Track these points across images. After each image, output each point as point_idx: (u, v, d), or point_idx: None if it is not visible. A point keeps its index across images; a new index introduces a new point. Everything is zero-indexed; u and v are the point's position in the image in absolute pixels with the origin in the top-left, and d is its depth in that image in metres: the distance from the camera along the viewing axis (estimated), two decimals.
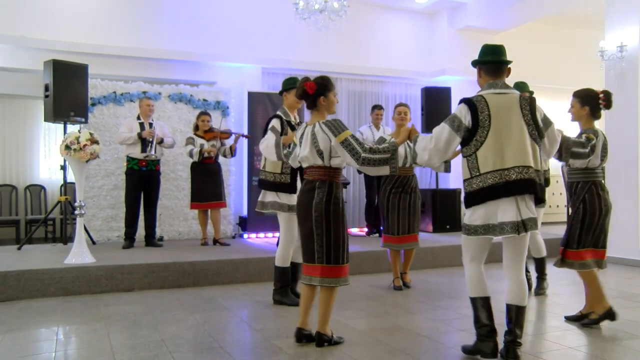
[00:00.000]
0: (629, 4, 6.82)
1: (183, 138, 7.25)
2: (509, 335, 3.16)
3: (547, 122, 3.27)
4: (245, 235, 7.94)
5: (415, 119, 9.67)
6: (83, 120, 6.70)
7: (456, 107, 3.25)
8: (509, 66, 3.35)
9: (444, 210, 8.43)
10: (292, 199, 4.45)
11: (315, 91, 3.50)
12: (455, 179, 9.45)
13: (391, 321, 4.14)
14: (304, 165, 3.55)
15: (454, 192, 8.58)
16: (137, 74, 7.95)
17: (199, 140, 6.86)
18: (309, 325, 3.55)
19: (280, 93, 4.76)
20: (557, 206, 10.55)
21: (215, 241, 7.03)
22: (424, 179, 9.41)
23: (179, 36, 8.09)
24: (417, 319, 4.23)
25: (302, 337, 3.52)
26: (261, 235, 7.94)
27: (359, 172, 4.19)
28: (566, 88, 11.65)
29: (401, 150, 5.07)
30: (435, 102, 8.52)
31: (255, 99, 8.07)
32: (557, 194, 10.58)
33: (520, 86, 5.03)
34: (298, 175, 4.51)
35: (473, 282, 3.25)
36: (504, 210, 3.05)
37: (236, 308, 4.62)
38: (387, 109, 9.32)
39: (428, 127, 8.27)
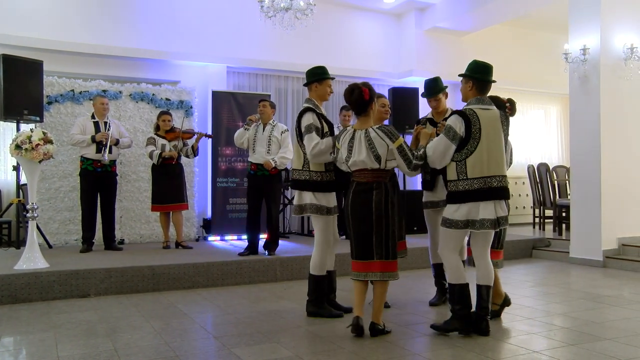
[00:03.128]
0: (591, 9, 6.91)
1: (144, 138, 7.04)
2: (481, 310, 3.70)
3: (506, 133, 3.87)
4: (210, 238, 7.76)
5: None
6: (38, 119, 6.43)
7: (450, 119, 3.68)
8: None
9: (410, 211, 8.39)
10: (331, 200, 4.16)
11: (370, 97, 3.66)
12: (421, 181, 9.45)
13: None
14: (354, 168, 3.69)
15: (421, 194, 8.49)
16: (97, 72, 7.71)
17: (160, 141, 6.67)
18: (381, 320, 3.74)
19: (307, 84, 4.32)
20: (524, 207, 10.64)
21: (178, 244, 6.85)
22: None
23: (141, 33, 7.86)
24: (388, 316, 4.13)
25: (359, 328, 3.65)
26: (228, 237, 7.76)
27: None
28: (532, 90, 11.86)
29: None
30: (403, 103, 8.49)
31: (219, 99, 7.90)
32: (523, 196, 10.68)
33: (440, 85, 4.98)
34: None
35: (453, 270, 3.72)
36: (485, 209, 3.59)
37: (196, 314, 4.46)
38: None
39: (396, 127, 8.17)
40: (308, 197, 4.12)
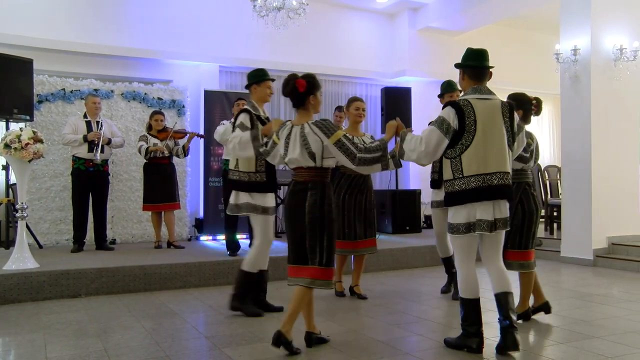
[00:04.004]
0: (581, 10, 6.95)
1: (136, 138, 7.02)
2: (504, 322, 3.24)
3: (520, 127, 3.47)
4: (202, 238, 7.74)
5: (375, 119, 9.67)
6: (28, 117, 6.39)
7: (443, 111, 3.31)
8: (490, 70, 3.43)
9: (403, 211, 8.41)
10: (267, 200, 4.19)
11: (305, 89, 3.35)
12: (415, 180, 9.49)
13: (346, 325, 4.04)
14: (292, 166, 3.40)
15: (414, 193, 8.58)
16: (89, 71, 7.66)
17: (152, 140, 6.67)
18: (316, 327, 3.52)
19: (248, 86, 4.37)
20: None
21: (170, 244, 6.83)
22: (384, 180, 9.39)
23: (133, 32, 7.83)
24: (374, 323, 4.14)
25: (312, 340, 3.46)
26: (220, 237, 7.73)
27: None
28: (523, 90, 11.83)
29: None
30: (395, 103, 8.50)
31: (212, 98, 7.88)
32: None
33: (452, 85, 5.14)
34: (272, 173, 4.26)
35: (465, 283, 3.33)
36: (482, 210, 3.21)
37: (187, 314, 4.44)
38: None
39: None
40: (244, 197, 4.17)
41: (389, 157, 3.35)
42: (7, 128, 6.19)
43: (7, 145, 4.98)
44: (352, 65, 9.45)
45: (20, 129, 5.18)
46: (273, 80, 4.38)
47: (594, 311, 4.42)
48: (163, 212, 6.83)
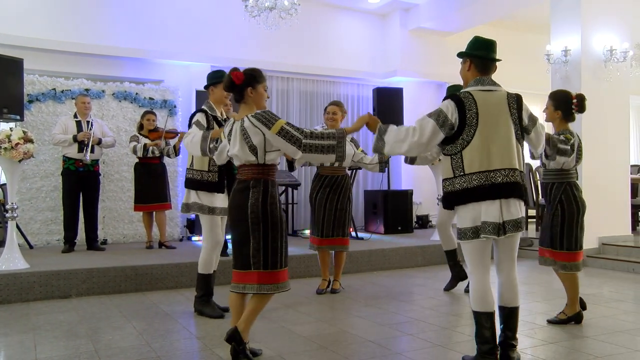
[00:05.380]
0: (572, 11, 7.00)
1: (127, 138, 6.99)
2: (501, 337, 3.07)
3: (533, 119, 3.19)
4: (194, 238, 7.72)
5: None
6: (18, 117, 6.32)
7: (442, 103, 3.09)
8: (496, 63, 3.23)
9: (395, 211, 8.43)
10: (215, 200, 4.23)
11: (242, 81, 3.20)
12: (407, 180, 9.51)
13: (337, 326, 4.05)
14: (236, 163, 3.26)
15: (406, 193, 8.60)
16: (79, 71, 7.60)
17: (143, 140, 6.64)
18: (247, 337, 3.25)
19: (206, 87, 4.40)
20: None
21: (161, 244, 6.81)
22: (376, 180, 9.41)
23: (124, 32, 7.79)
24: (365, 324, 4.15)
25: (234, 338, 3.17)
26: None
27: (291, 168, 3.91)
28: (514, 91, 11.93)
29: (349, 149, 4.94)
30: (387, 103, 8.52)
31: (203, 98, 7.78)
32: None
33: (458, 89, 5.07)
34: (225, 174, 4.27)
35: (476, 295, 3.01)
36: (487, 211, 2.94)
37: (178, 314, 4.43)
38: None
39: None
40: (193, 196, 4.24)
41: (377, 160, 3.21)
42: None
43: None
44: (343, 66, 9.46)
45: (10, 128, 5.15)
46: None
47: (585, 311, 4.44)
48: (154, 213, 6.80)
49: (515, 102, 3.10)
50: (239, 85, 3.22)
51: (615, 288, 5.43)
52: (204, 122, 4.14)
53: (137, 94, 7.61)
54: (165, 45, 8.00)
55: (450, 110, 2.99)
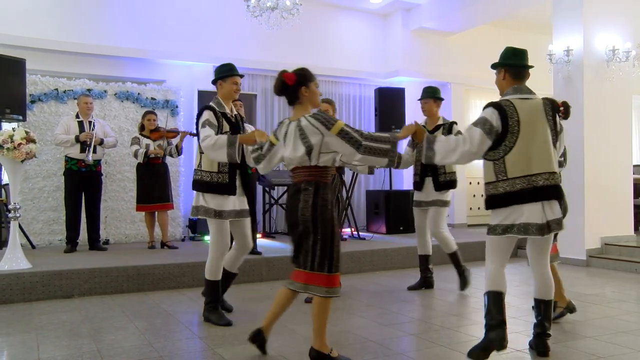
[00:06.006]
0: (574, 11, 6.99)
1: (129, 138, 7.00)
2: (538, 328, 3.31)
3: (561, 127, 3.38)
4: (196, 238, 7.73)
5: (369, 119, 9.68)
6: (21, 118, 6.35)
7: (484, 111, 3.22)
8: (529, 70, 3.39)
9: (397, 211, 8.43)
10: (225, 203, 3.98)
11: (295, 82, 3.17)
12: (408, 180, 9.49)
13: (339, 326, 4.04)
14: (288, 167, 3.23)
15: (407, 194, 8.58)
16: (82, 71, 7.63)
17: (145, 140, 6.64)
18: (269, 331, 3.33)
19: (214, 82, 4.13)
20: None
21: (163, 244, 6.81)
22: (378, 180, 9.40)
23: (126, 32, 7.80)
24: (367, 324, 4.14)
25: (257, 339, 3.30)
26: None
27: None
28: None
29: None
30: (389, 103, 8.52)
31: (205, 98, 7.82)
32: None
33: (431, 91, 5.29)
34: (238, 175, 4.06)
35: (490, 277, 3.23)
36: (530, 212, 3.11)
37: (180, 314, 4.43)
38: (341, 109, 9.28)
39: (382, 127, 8.26)
40: (200, 199, 4.04)
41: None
42: (0, 128, 6.15)
43: None
44: (345, 66, 9.46)
45: (12, 129, 5.16)
46: (241, 76, 4.17)
47: (587, 311, 4.44)
48: (156, 213, 6.81)
49: (551, 108, 3.29)
50: (292, 86, 3.19)
51: (617, 288, 5.42)
52: (214, 120, 3.90)
53: (139, 94, 7.62)
54: (167, 45, 8.01)
55: (495, 118, 3.15)
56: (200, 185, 4.04)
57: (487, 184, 3.25)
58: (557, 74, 7.16)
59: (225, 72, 4.07)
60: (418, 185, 5.27)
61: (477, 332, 3.86)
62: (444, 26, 9.53)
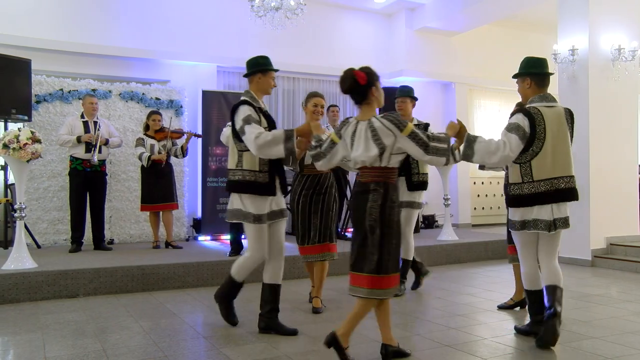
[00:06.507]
0: (579, 10, 6.96)
1: (134, 138, 7.01)
2: (548, 310, 3.46)
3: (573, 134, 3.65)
4: (200, 238, 7.74)
5: None
6: (26, 118, 6.38)
7: (515, 117, 3.43)
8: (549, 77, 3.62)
9: None
10: (264, 205, 3.68)
11: (367, 81, 3.14)
12: None
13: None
14: (356, 166, 3.17)
15: None
16: (86, 71, 7.65)
17: (149, 141, 6.65)
18: (394, 339, 3.25)
19: (250, 74, 3.83)
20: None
21: (168, 244, 6.82)
22: None
23: (131, 33, 7.82)
24: (372, 323, 4.11)
25: (389, 354, 3.21)
26: (227, 236, 7.74)
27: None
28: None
29: None
30: (393, 103, 8.47)
31: (209, 98, 7.88)
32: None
33: (407, 91, 5.33)
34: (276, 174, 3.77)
35: (527, 277, 3.63)
36: (540, 209, 3.43)
37: (185, 314, 4.44)
38: (345, 109, 9.27)
39: None
40: (236, 202, 3.70)
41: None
42: (6, 128, 6.19)
43: (5, 146, 4.97)
44: (349, 65, 9.24)
45: (18, 129, 5.18)
46: (277, 70, 3.94)
47: (593, 311, 4.42)
48: (161, 213, 6.82)
49: (570, 116, 3.59)
50: (363, 85, 3.15)
51: (623, 289, 5.40)
52: (255, 115, 3.62)
53: (143, 94, 7.63)
54: (171, 45, 8.03)
55: (526, 124, 3.40)
56: (242, 186, 3.67)
57: (512, 184, 3.51)
58: (562, 74, 7.13)
59: (267, 65, 3.83)
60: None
61: (482, 333, 3.86)
62: (448, 26, 9.52)
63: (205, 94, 7.88)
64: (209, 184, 7.79)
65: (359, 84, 3.14)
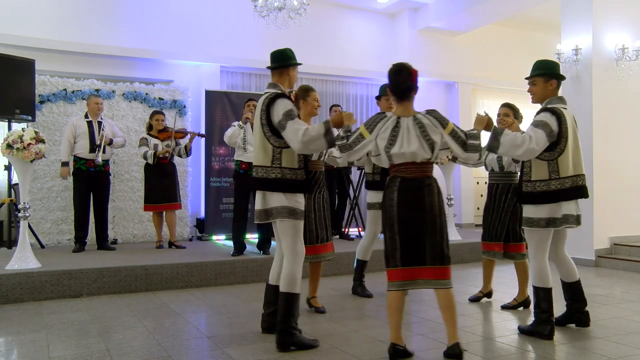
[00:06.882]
0: (583, 10, 6.95)
1: (137, 138, 7.02)
2: (574, 304, 3.86)
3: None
4: (204, 238, 7.75)
5: None
6: (30, 118, 6.40)
7: (543, 115, 3.55)
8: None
9: None
10: (302, 202, 3.52)
11: (416, 79, 3.23)
12: None
13: (348, 326, 4.04)
14: (398, 161, 3.13)
15: None
16: (90, 71, 7.67)
17: (153, 141, 6.66)
18: (402, 340, 3.20)
19: (280, 67, 3.82)
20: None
21: (171, 244, 6.83)
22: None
23: (134, 33, 7.83)
24: (375, 323, 4.14)
25: (397, 353, 3.15)
26: (222, 236, 7.76)
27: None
28: (524, 90, 11.86)
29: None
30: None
31: (213, 98, 7.88)
32: None
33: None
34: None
35: (539, 274, 3.67)
36: (568, 205, 3.60)
37: (189, 314, 4.44)
38: (349, 109, 9.28)
39: None
40: (278, 199, 3.46)
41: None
42: (9, 128, 6.21)
43: (9, 146, 4.99)
44: (352, 65, 9.45)
45: (22, 129, 5.19)
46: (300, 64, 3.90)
47: (596, 311, 4.41)
48: (164, 212, 6.82)
49: (574, 119, 3.77)
50: (415, 85, 3.23)
51: (627, 289, 5.39)
52: (296, 110, 3.50)
53: (147, 94, 7.65)
54: (174, 45, 8.04)
55: (554, 123, 3.52)
56: (284, 184, 3.46)
57: (539, 181, 3.60)
58: (565, 73, 7.05)
59: (293, 60, 3.80)
60: (376, 184, 4.74)
61: (485, 332, 3.86)
62: (451, 25, 9.51)
63: (209, 93, 7.89)
64: (212, 184, 7.80)
65: (413, 82, 3.21)
